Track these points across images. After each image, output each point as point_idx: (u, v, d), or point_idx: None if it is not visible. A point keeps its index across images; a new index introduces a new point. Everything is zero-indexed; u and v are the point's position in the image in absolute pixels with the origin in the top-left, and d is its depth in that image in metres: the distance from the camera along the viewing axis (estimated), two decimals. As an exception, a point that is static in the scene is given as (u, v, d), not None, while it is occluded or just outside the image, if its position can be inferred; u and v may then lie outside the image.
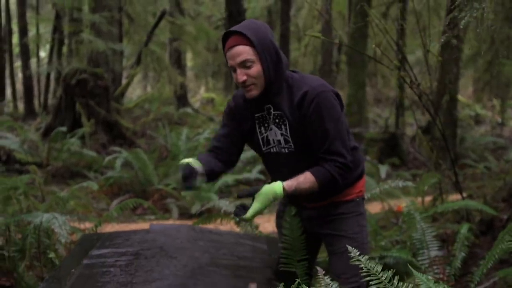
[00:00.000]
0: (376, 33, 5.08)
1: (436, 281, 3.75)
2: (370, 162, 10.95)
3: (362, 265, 1.87)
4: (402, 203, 5.78)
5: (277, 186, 2.44)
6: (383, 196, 4.85)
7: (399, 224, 5.28)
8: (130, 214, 7.23)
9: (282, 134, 2.55)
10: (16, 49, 21.34)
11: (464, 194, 5.40)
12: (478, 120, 21.37)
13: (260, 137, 2.63)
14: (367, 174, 5.01)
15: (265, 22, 22.54)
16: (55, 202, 4.71)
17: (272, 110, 2.54)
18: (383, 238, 4.51)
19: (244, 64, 2.40)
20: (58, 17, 15.76)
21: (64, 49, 16.00)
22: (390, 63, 4.82)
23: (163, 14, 14.46)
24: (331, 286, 1.63)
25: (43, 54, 23.97)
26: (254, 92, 2.46)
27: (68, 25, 13.27)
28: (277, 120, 2.54)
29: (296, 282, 2.03)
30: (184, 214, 7.34)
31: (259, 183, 9.06)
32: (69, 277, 2.43)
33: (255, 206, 2.42)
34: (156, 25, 14.47)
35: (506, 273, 3.74)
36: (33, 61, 19.74)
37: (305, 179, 2.47)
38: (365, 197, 2.89)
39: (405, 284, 1.80)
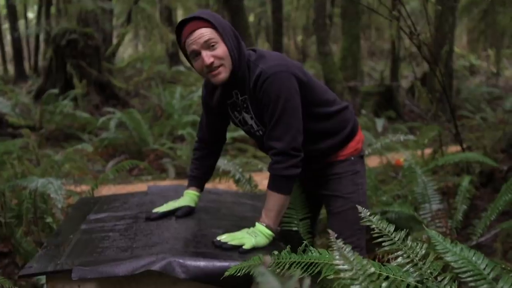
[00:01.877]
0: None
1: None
2: (366, 116, 10.90)
3: (373, 226, 1.79)
4: (400, 157, 5.74)
5: (264, 230, 2.37)
6: (382, 149, 4.78)
7: (399, 178, 5.26)
8: (127, 175, 7.18)
9: (252, 118, 2.50)
10: (3, 11, 21.01)
11: (464, 146, 5.36)
12: (473, 70, 21.39)
13: (236, 120, 2.59)
14: (363, 129, 4.93)
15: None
16: (50, 166, 4.65)
17: (239, 96, 2.47)
18: (383, 193, 4.47)
19: (209, 44, 2.27)
20: (45, -24, 15.48)
21: (52, 9, 15.77)
22: (389, 14, 4.71)
23: (152, -30, 14.20)
24: (345, 250, 1.55)
25: (31, 15, 23.69)
26: (223, 75, 2.33)
27: (55, -16, 13.01)
28: (244, 105, 2.47)
29: (303, 244, 1.96)
30: (181, 173, 7.31)
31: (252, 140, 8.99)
32: (68, 243, 2.37)
33: (258, 241, 2.34)
34: (145, -19, 14.23)
35: (510, 225, 3.72)
36: (21, 23, 19.49)
37: (271, 201, 2.41)
38: (364, 153, 2.83)
39: (420, 244, 1.73)
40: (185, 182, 2.85)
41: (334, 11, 18.63)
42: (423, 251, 1.74)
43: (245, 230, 2.36)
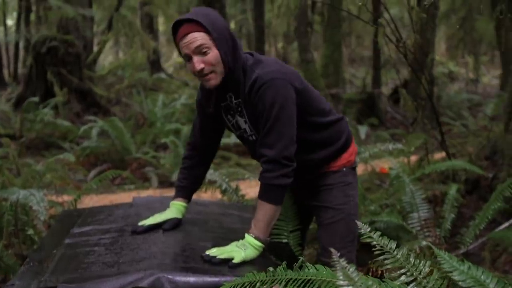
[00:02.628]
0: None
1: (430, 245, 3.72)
2: (349, 123, 10.84)
3: (374, 243, 1.71)
4: (385, 164, 5.70)
5: (253, 242, 2.30)
6: (366, 157, 4.75)
7: (385, 187, 5.22)
8: (109, 184, 7.07)
9: (245, 122, 2.43)
10: (-19, 18, 20.74)
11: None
12: (452, 77, 21.56)
13: (230, 124, 2.52)
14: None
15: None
16: (31, 176, 4.53)
17: (233, 99, 2.40)
18: (371, 202, 4.42)
19: (200, 50, 2.22)
20: (24, -17, 15.33)
21: (32, 16, 15.60)
22: (374, 21, 4.66)
23: (133, -23, 14.14)
24: (349, 270, 1.47)
25: (10, 22, 23.41)
26: (214, 81, 2.29)
27: (35, -9, 12.88)
28: (239, 109, 2.41)
29: (300, 260, 1.88)
30: (164, 182, 7.24)
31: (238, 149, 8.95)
32: (51, 258, 2.27)
33: (247, 254, 2.27)
34: (126, -12, 14.16)
35: (499, 235, 3.70)
36: (0, 30, 19.22)
37: (260, 212, 2.33)
38: (357, 165, 2.76)
39: (423, 261, 1.66)
40: (168, 191, 2.78)
41: (315, 18, 18.66)
42: (427, 269, 1.67)
43: (234, 244, 2.28)
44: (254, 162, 8.23)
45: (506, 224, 3.81)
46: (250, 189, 5.64)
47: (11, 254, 3.28)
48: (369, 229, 1.79)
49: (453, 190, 4.23)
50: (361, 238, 1.82)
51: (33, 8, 14.89)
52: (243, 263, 2.21)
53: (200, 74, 2.26)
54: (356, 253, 2.67)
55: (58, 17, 11.62)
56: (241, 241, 2.29)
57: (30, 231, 3.46)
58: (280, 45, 24.02)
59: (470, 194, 4.98)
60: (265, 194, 2.32)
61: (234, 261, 2.18)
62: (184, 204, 2.65)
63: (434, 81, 11.65)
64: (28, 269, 2.18)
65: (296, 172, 2.37)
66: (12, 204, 3.30)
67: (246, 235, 2.30)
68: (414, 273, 1.69)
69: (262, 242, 2.29)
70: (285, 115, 2.27)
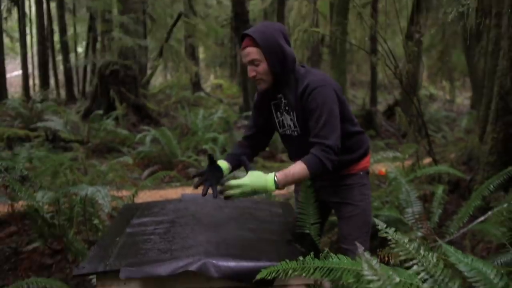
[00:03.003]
0: (354, 29, 4.88)
1: (424, 237, 3.61)
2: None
3: (390, 237, 1.60)
4: (382, 168, 5.63)
5: (270, 180, 2.18)
6: (372, 162, 4.68)
7: (384, 187, 5.13)
8: (159, 182, 7.02)
9: (291, 120, 2.42)
10: (57, 46, 21.00)
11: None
12: (432, 98, 21.53)
13: (276, 121, 2.51)
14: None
15: (262, 21, 22.51)
16: (97, 175, 4.49)
17: (283, 99, 2.42)
18: (375, 199, 4.35)
19: (253, 63, 2.30)
20: (92, 18, 15.48)
21: (98, 45, 15.70)
22: (373, 53, 4.60)
23: (179, 15, 14.22)
24: (372, 261, 1.37)
25: (80, 49, 23.69)
26: (263, 86, 2.36)
27: (100, 25, 12.96)
28: (287, 108, 2.41)
29: (325, 251, 1.78)
30: (204, 181, 7.13)
31: (263, 154, 8.85)
32: (115, 245, 2.19)
33: (244, 180, 2.17)
34: (174, 24, 14.23)
35: (477, 227, 3.63)
36: (72, 56, 19.47)
37: (296, 169, 2.24)
38: (369, 170, 2.71)
39: (431, 253, 1.54)
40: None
41: (323, 50, 18.62)
42: (435, 259, 1.55)
43: (253, 179, 2.17)
44: (276, 164, 8.20)
45: (482, 218, 3.72)
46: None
47: (80, 240, 3.22)
48: (385, 226, 1.68)
49: (440, 190, 4.21)
50: (379, 233, 1.71)
51: (99, 38, 15.00)
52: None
53: (253, 79, 2.34)
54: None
55: (119, 46, 11.68)
56: (259, 178, 2.18)
57: (96, 221, 3.42)
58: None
59: (452, 193, 4.96)
60: (310, 161, 2.24)
61: (231, 193, 2.17)
62: (228, 166, 2.50)
63: (419, 101, 11.56)
64: (95, 254, 2.10)
65: (325, 173, 2.33)
66: (82, 198, 3.24)
67: (271, 175, 2.20)
68: (424, 263, 1.57)
69: (275, 185, 2.19)
70: (335, 113, 2.29)
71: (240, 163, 2.52)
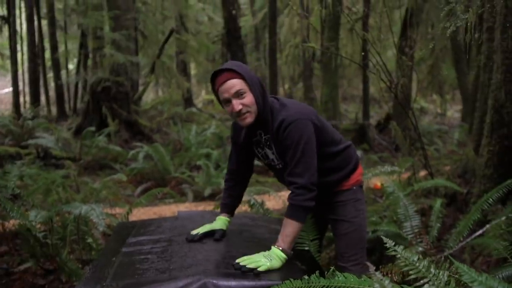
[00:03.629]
0: (345, 44, 4.89)
1: (424, 253, 3.56)
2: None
3: (399, 255, 1.55)
4: (377, 181, 5.59)
5: (279, 253, 2.16)
6: (369, 177, 4.64)
7: (381, 201, 5.10)
8: (153, 198, 6.94)
9: (273, 154, 2.38)
10: (48, 63, 20.92)
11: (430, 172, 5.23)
12: (423, 111, 21.64)
13: (259, 155, 2.47)
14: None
15: (253, 37, 22.44)
16: (90, 193, 4.40)
17: (263, 135, 2.35)
18: (373, 214, 4.31)
19: (238, 94, 2.17)
20: (83, 35, 15.45)
21: (89, 62, 15.66)
22: (372, 68, 4.60)
23: (171, 32, 14.22)
24: (384, 281, 1.31)
25: (71, 66, 23.65)
26: (249, 120, 2.23)
27: (92, 42, 12.93)
28: (268, 143, 2.36)
29: (331, 269, 1.73)
30: (198, 196, 7.12)
31: (256, 169, 8.81)
32: (111, 265, 2.12)
33: (272, 264, 2.11)
34: (165, 41, 14.21)
35: (476, 241, 3.59)
36: (63, 73, 19.39)
37: (288, 228, 2.22)
38: (363, 184, 2.68)
39: (442, 271, 1.49)
40: (201, 205, 2.65)
41: (315, 65, 18.72)
42: (446, 278, 1.50)
43: (262, 254, 2.14)
44: (270, 179, 8.15)
45: (480, 231, 3.69)
46: (269, 202, 5.52)
47: (73, 260, 3.14)
48: (394, 243, 1.63)
49: (438, 203, 4.15)
50: (387, 251, 1.66)
51: (91, 55, 14.96)
52: (268, 270, 2.06)
53: (238, 114, 2.20)
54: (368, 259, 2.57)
55: (110, 63, 11.64)
56: (267, 252, 2.16)
57: (90, 240, 3.34)
58: (287, 86, 24.09)
59: (448, 206, 4.92)
60: (294, 213, 2.22)
61: (260, 269, 2.04)
62: (228, 218, 2.57)
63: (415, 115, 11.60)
64: (91, 275, 2.04)
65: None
66: (75, 216, 3.16)
67: (273, 247, 2.18)
68: (435, 282, 1.52)
69: (287, 255, 2.17)
70: (309, 149, 2.23)
71: (236, 204, 2.61)
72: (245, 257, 2.10)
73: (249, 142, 2.44)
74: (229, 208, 2.59)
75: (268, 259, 2.10)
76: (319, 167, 2.30)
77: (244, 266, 2.03)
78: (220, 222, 2.52)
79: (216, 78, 2.22)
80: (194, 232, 2.43)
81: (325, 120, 2.49)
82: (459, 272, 1.47)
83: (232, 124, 2.55)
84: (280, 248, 2.16)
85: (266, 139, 2.35)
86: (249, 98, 2.19)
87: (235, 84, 2.16)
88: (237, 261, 2.07)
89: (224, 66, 2.21)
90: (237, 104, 2.17)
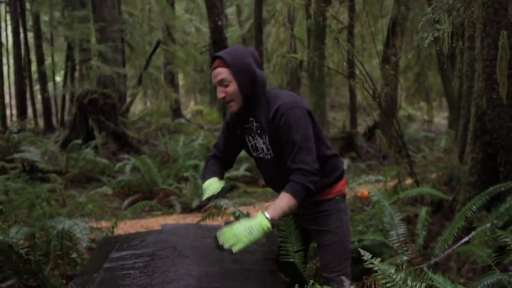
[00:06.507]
0: (331, 53, 4.94)
1: (409, 261, 3.57)
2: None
3: (376, 268, 1.56)
4: (365, 190, 5.60)
5: (261, 218, 2.12)
6: (354, 186, 4.64)
7: (367, 210, 5.10)
8: (140, 211, 6.88)
9: (264, 143, 2.37)
10: (35, 75, 20.80)
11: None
12: (410, 118, 21.76)
13: (249, 145, 2.46)
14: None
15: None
16: (75, 206, 4.36)
17: (254, 122, 2.37)
18: (359, 223, 4.30)
19: (222, 83, 2.27)
20: (70, 48, 15.40)
21: (76, 74, 15.62)
22: (356, 78, 4.64)
23: (158, 43, 14.21)
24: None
25: (58, 78, 23.52)
26: (234, 107, 2.32)
27: (78, 54, 12.89)
28: (259, 131, 2.36)
29: (311, 282, 1.72)
30: (186, 208, 7.07)
31: (245, 179, 8.82)
32: (92, 281, 2.10)
33: (253, 237, 2.09)
34: (152, 52, 14.20)
35: (462, 249, 3.59)
36: (50, 85, 19.28)
37: (282, 201, 2.19)
38: (346, 194, 2.67)
39: (419, 284, 1.49)
40: (189, 216, 2.63)
41: (302, 74, 18.82)
42: (422, 290, 1.50)
43: (243, 223, 2.11)
44: (259, 189, 8.14)
45: (466, 239, 3.72)
46: (257, 213, 5.48)
47: (57, 276, 3.10)
48: (370, 256, 1.63)
49: (423, 212, 4.19)
50: (364, 264, 1.66)
51: (77, 67, 14.91)
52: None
53: (223, 101, 2.30)
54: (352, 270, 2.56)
55: (97, 75, 11.61)
56: (251, 221, 2.12)
57: (74, 255, 3.30)
58: (274, 95, 24.17)
59: (435, 214, 4.96)
60: (294, 189, 2.20)
61: (235, 249, 2.02)
62: (217, 178, 2.47)
63: (398, 122, 11.68)
64: (72, 292, 2.01)
65: None
66: (59, 232, 3.13)
67: (260, 214, 2.14)
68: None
69: (272, 225, 2.13)
70: (309, 136, 2.25)
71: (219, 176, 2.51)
72: (226, 229, 2.07)
73: (242, 128, 2.44)
74: (215, 174, 2.50)
75: (249, 231, 2.06)
76: None
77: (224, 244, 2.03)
78: (214, 181, 2.43)
79: (213, 63, 2.31)
80: (204, 197, 2.38)
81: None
82: (434, 284, 1.48)
83: (229, 111, 2.54)
84: (268, 217, 2.12)
85: (257, 127, 2.36)
86: (232, 88, 2.25)
87: (220, 72, 2.25)
88: (217, 233, 2.06)
89: (220, 52, 2.30)
90: (220, 92, 2.27)
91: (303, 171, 2.20)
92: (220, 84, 2.27)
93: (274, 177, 2.43)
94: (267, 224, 2.10)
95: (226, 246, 2.02)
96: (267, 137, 2.34)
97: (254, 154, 2.48)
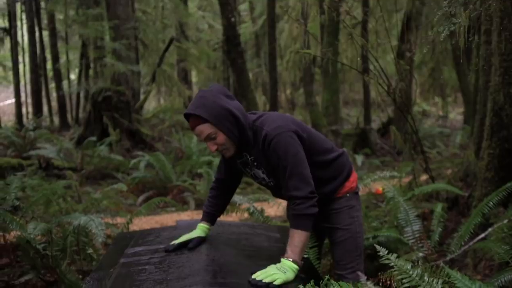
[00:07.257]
0: (345, 49, 4.89)
1: (424, 257, 3.54)
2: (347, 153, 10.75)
3: (392, 264, 1.55)
4: (379, 186, 5.58)
5: (291, 265, 2.13)
6: (368, 182, 4.62)
7: (382, 206, 5.07)
8: (154, 207, 6.92)
9: (263, 173, 2.38)
10: (50, 74, 21.01)
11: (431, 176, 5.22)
12: (425, 114, 21.60)
13: (249, 175, 2.47)
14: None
15: (253, 44, 22.52)
16: (91, 203, 4.40)
17: (248, 157, 2.36)
18: (373, 220, 4.28)
19: (209, 138, 2.23)
20: (84, 46, 15.49)
21: (91, 72, 15.72)
22: (370, 73, 4.60)
23: (171, 40, 14.25)
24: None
25: (73, 76, 23.73)
26: (229, 154, 2.31)
27: (93, 52, 12.96)
28: (255, 163, 2.36)
29: (326, 278, 1.72)
30: (200, 205, 7.10)
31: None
32: (109, 276, 2.12)
33: (287, 276, 2.09)
34: (166, 49, 14.26)
35: (479, 245, 3.55)
36: (65, 83, 19.47)
37: (295, 238, 2.19)
38: (359, 189, 2.66)
39: (436, 280, 1.48)
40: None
41: (315, 70, 18.75)
42: (439, 286, 1.48)
43: (274, 266, 2.11)
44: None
45: (482, 235, 3.66)
46: (270, 209, 5.51)
47: (74, 271, 3.13)
48: (386, 252, 1.62)
49: (439, 208, 4.16)
50: (380, 260, 1.65)
51: (92, 65, 15.01)
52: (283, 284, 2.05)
53: (218, 151, 2.28)
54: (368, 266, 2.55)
55: (111, 72, 11.66)
56: (279, 264, 2.13)
57: (90, 250, 3.33)
58: (288, 91, 24.09)
59: (450, 210, 4.91)
60: (299, 223, 2.19)
61: (276, 283, 2.01)
62: (208, 226, 2.53)
63: (413, 118, 11.57)
64: (88, 287, 2.03)
65: None
66: (75, 228, 3.16)
67: (284, 259, 2.14)
68: (429, 291, 1.50)
69: (298, 265, 2.15)
70: (299, 160, 2.21)
71: (218, 214, 2.57)
72: (259, 272, 2.07)
73: (236, 163, 2.44)
74: (210, 217, 2.55)
75: (282, 271, 2.08)
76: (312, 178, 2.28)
77: (261, 281, 2.01)
78: (200, 230, 2.49)
79: (188, 120, 2.26)
80: (172, 242, 2.42)
81: (313, 129, 2.49)
82: (452, 279, 1.46)
83: None
84: (291, 260, 2.13)
85: (252, 160, 2.35)
86: (220, 138, 2.22)
87: (203, 130, 2.20)
88: (252, 276, 2.04)
89: (189, 109, 2.22)
90: (212, 146, 2.25)
91: (298, 199, 2.20)
92: (207, 139, 2.24)
93: (281, 193, 2.42)
94: (293, 265, 2.12)
95: (266, 280, 2.01)
96: (263, 168, 2.35)
97: (256, 181, 2.50)
